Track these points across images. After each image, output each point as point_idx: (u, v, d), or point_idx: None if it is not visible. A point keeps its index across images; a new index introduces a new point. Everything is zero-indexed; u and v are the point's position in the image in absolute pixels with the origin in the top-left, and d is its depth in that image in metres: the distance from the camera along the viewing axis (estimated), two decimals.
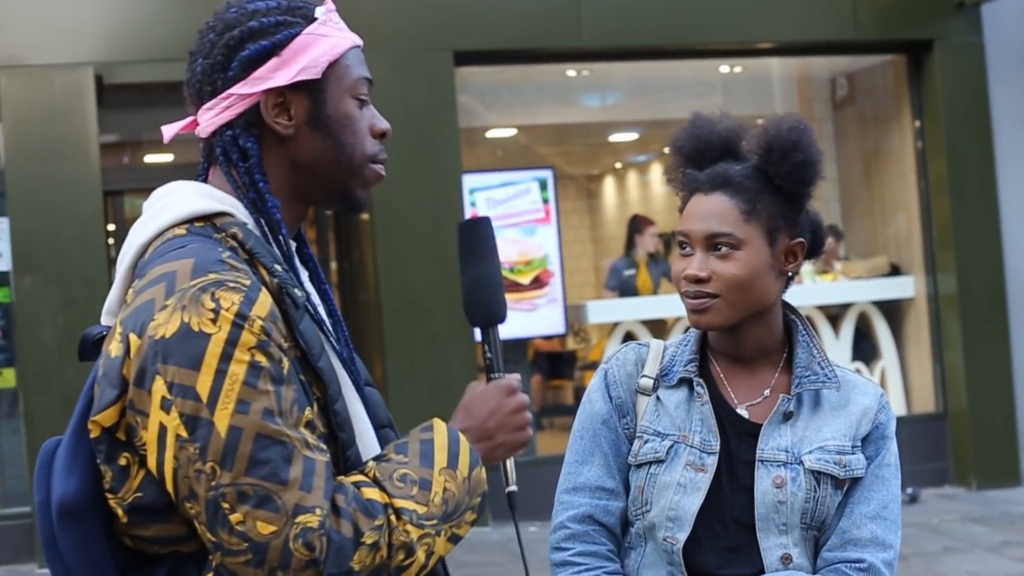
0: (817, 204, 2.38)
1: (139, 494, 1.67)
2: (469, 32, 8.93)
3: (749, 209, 2.23)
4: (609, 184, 14.75)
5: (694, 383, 2.28)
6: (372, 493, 1.69)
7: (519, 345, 9.40)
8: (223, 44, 1.81)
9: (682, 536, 2.20)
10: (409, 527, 1.68)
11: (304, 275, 1.89)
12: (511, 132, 11.91)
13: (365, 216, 8.95)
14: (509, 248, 9.02)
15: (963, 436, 9.41)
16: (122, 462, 1.67)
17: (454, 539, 1.74)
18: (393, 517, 1.68)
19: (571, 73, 10.39)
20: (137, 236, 1.80)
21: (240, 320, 1.63)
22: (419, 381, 8.64)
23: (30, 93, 8.11)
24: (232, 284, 1.65)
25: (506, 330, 9.32)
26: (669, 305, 9.77)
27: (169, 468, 1.62)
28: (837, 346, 9.70)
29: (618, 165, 14.34)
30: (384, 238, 8.70)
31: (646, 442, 2.27)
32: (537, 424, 9.73)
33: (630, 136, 13.14)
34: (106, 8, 8.30)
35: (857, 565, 2.21)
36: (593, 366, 10.75)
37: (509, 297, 9.32)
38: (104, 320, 1.83)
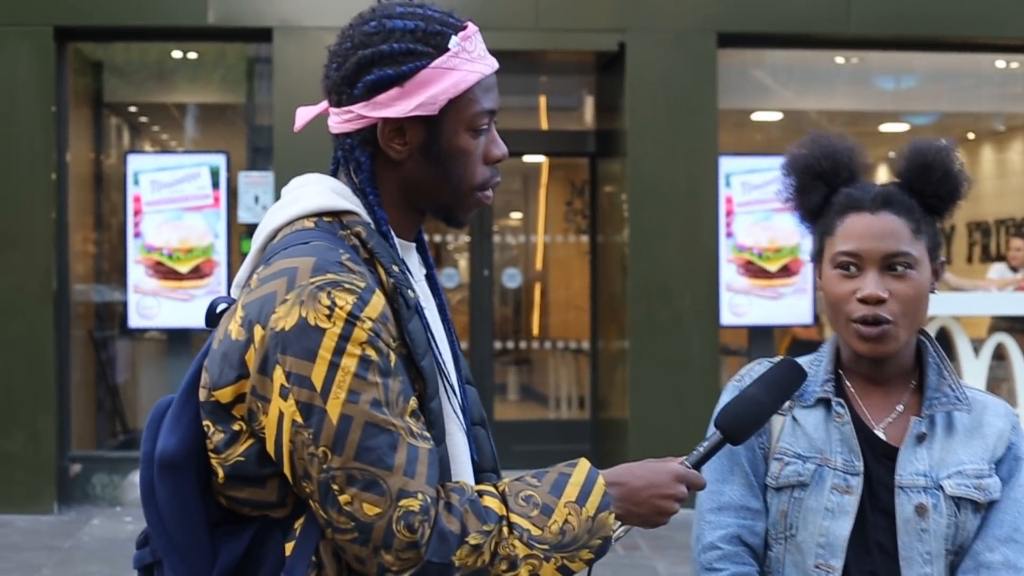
0: None
1: (241, 459, 1.80)
2: (734, 14, 8.88)
3: (916, 228, 2.22)
4: (880, 176, 14.39)
5: (832, 403, 2.25)
6: (492, 503, 1.81)
7: (767, 332, 9.31)
8: (355, 61, 1.88)
9: (837, 563, 2.18)
10: (517, 543, 1.79)
11: (422, 272, 2.00)
12: (773, 116, 11.76)
13: (620, 192, 9.03)
14: (760, 234, 8.94)
15: None
16: (235, 428, 1.80)
17: (564, 570, 1.83)
18: (505, 529, 1.79)
19: (839, 60, 10.19)
20: (271, 220, 1.93)
21: (352, 319, 1.74)
22: (660, 360, 8.66)
23: (304, 53, 8.46)
24: (348, 286, 1.76)
25: (752, 317, 9.08)
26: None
27: (286, 450, 1.75)
28: None
29: (891, 155, 13.89)
30: (636, 216, 8.73)
31: (787, 464, 2.24)
32: None
33: (900, 128, 12.77)
34: None
35: None
36: None
37: (754, 282, 9.13)
38: (233, 292, 1.95)
